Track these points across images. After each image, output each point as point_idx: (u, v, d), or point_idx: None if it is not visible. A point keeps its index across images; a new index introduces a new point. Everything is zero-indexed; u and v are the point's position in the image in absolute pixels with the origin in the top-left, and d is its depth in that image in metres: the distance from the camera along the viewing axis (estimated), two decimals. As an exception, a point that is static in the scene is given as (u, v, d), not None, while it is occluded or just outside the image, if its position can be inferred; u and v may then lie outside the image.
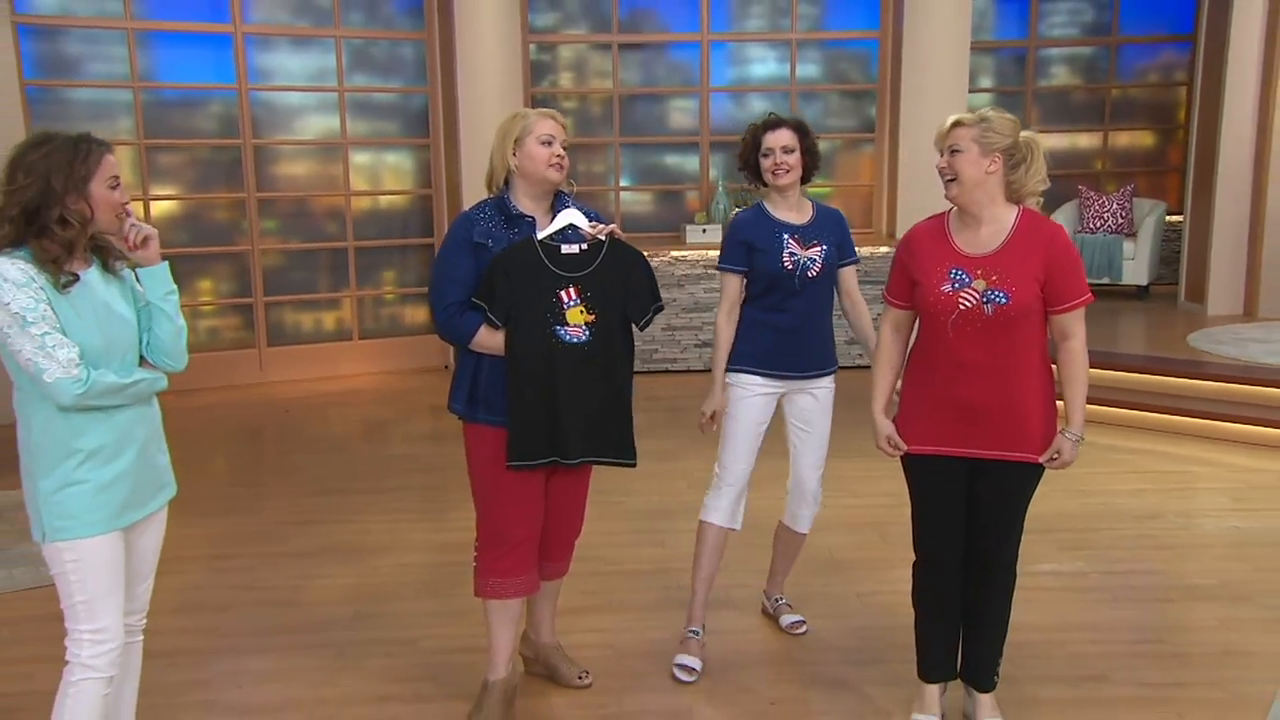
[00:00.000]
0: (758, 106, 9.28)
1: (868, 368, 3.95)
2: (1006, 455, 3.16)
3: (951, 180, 3.09)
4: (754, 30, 9.24)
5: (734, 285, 3.87)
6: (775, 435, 3.94)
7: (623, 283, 3.34)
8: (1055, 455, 3.15)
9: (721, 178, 9.06)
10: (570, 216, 3.29)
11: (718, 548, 3.91)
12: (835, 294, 3.94)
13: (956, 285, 3.10)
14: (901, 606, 4.19)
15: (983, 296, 3.06)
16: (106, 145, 2.61)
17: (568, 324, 3.27)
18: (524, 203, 3.36)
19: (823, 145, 4.02)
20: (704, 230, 8.65)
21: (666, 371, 8.61)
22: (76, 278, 2.57)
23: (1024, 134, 3.13)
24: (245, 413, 7.77)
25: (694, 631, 3.89)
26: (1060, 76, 10.84)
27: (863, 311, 3.95)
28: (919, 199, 8.69)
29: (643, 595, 4.49)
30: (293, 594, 4.59)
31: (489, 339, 3.27)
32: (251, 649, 4.08)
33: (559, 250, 3.26)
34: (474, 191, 8.23)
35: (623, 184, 9.36)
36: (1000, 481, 3.20)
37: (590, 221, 3.31)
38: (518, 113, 3.37)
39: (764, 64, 9.36)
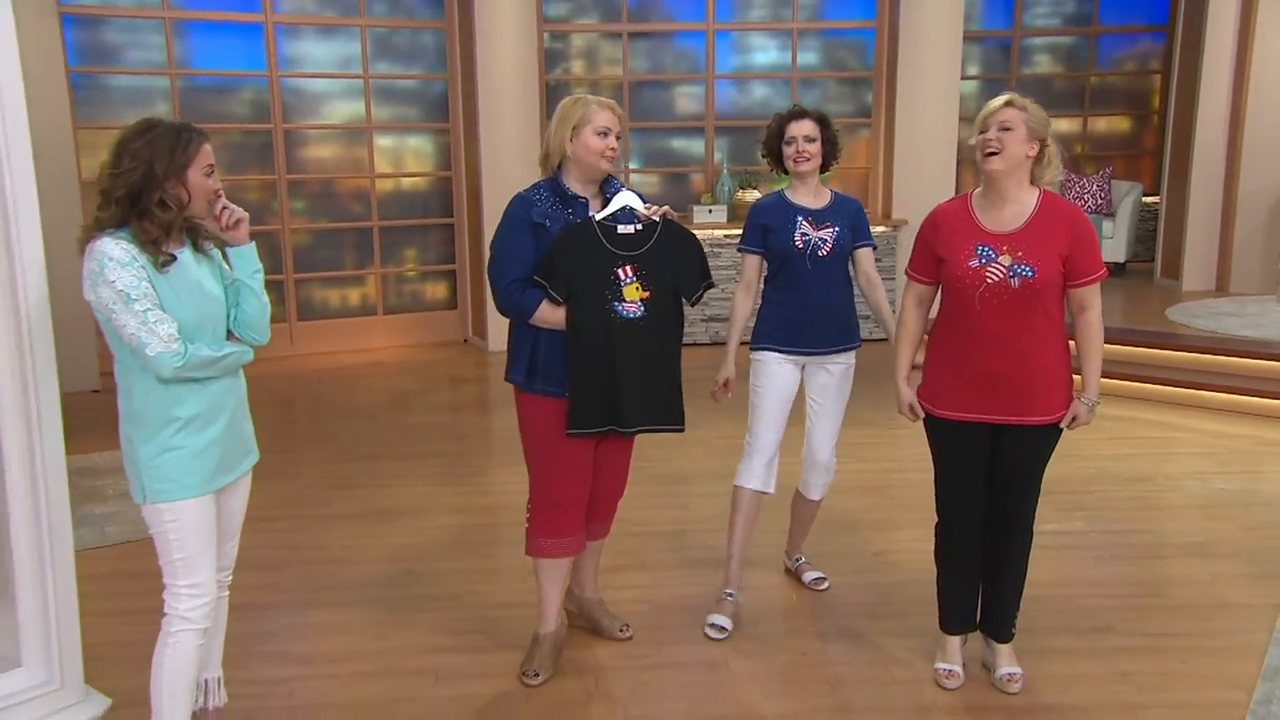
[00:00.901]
0: (760, 93, 9.32)
1: (882, 340, 4.03)
2: (1028, 420, 3.22)
3: (994, 154, 3.11)
4: (757, 20, 9.22)
5: (751, 265, 3.95)
6: (795, 405, 4.00)
7: (675, 261, 3.37)
8: (1074, 419, 3.22)
9: (726, 160, 9.06)
10: (626, 198, 3.32)
11: (752, 512, 3.94)
12: (852, 274, 3.99)
13: (983, 260, 3.15)
14: (912, 564, 4.29)
15: (1009, 270, 3.12)
16: (205, 135, 2.64)
17: (625, 300, 3.31)
18: (575, 185, 3.38)
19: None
20: (710, 211, 8.66)
21: (675, 344, 8.63)
22: (174, 258, 2.60)
23: (1051, 131, 3.19)
24: (277, 384, 7.79)
25: (730, 594, 3.91)
26: (1043, 64, 10.86)
27: (879, 292, 3.98)
28: (913, 181, 8.77)
29: (671, 555, 4.56)
30: (342, 553, 4.64)
31: (550, 314, 3.30)
32: (311, 604, 4.13)
33: (616, 230, 3.29)
34: (493, 173, 8.30)
35: (632, 166, 9.35)
36: (1021, 444, 3.26)
37: (644, 204, 3.35)
38: (579, 98, 3.36)
39: (766, 52, 9.35)
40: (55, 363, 2.67)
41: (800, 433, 4.03)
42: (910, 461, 5.64)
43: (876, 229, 8.58)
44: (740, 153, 9.11)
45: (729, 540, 3.96)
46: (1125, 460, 5.71)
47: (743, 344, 3.96)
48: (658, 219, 3.34)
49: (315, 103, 8.46)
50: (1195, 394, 6.78)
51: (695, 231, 8.29)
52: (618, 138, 3.35)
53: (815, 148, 3.82)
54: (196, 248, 2.73)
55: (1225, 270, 9.19)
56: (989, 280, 3.13)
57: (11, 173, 2.49)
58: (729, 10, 9.14)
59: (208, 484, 2.71)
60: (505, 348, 3.51)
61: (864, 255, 3.97)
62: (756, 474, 3.91)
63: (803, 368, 3.94)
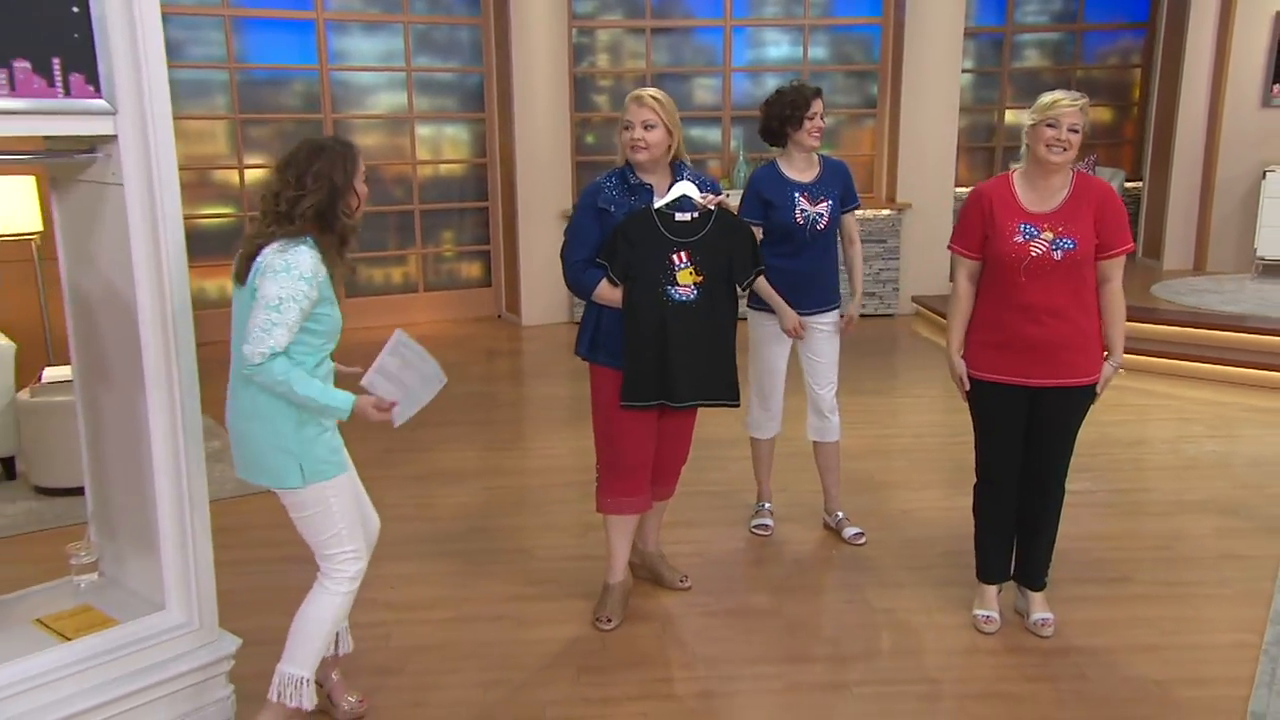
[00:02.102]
0: (773, 85, 9.22)
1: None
2: (1069, 381, 3.28)
3: (1065, 150, 3.17)
4: (770, 16, 9.21)
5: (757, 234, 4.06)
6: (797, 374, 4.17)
7: (728, 248, 3.40)
8: (1104, 380, 3.32)
9: (742, 148, 9.08)
10: (684, 188, 3.34)
11: (771, 452, 4.41)
12: (838, 237, 4.17)
13: (1027, 236, 3.21)
14: (939, 520, 4.38)
15: (1052, 245, 3.19)
16: (357, 147, 2.69)
17: (678, 284, 3.34)
18: (640, 173, 3.41)
19: (829, 120, 4.25)
20: (726, 195, 8.65)
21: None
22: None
23: None
24: (330, 356, 7.80)
25: (766, 505, 4.49)
26: (1032, 59, 10.84)
27: (857, 248, 4.24)
28: (915, 168, 8.79)
29: (718, 513, 4.62)
30: (415, 511, 4.70)
31: (609, 293, 3.35)
32: (392, 557, 4.16)
33: (673, 218, 3.33)
34: (525, 160, 8.34)
35: (652, 154, 9.34)
36: (1062, 405, 3.32)
37: (702, 193, 3.38)
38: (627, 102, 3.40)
39: (779, 47, 9.35)
40: (194, 330, 2.72)
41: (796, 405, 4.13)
42: (926, 428, 5.71)
43: (881, 213, 8.64)
44: (755, 141, 9.08)
45: (757, 473, 4.46)
46: (1122, 426, 5.78)
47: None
48: (713, 208, 3.38)
49: (361, 94, 8.46)
50: (1180, 364, 6.85)
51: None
52: (647, 127, 3.30)
53: (823, 125, 4.05)
54: None
55: (1203, 251, 9.25)
56: (1033, 254, 3.19)
57: (157, 157, 2.53)
58: (744, 7, 9.13)
59: (345, 462, 2.81)
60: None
61: (849, 219, 4.17)
62: (772, 425, 4.31)
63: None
